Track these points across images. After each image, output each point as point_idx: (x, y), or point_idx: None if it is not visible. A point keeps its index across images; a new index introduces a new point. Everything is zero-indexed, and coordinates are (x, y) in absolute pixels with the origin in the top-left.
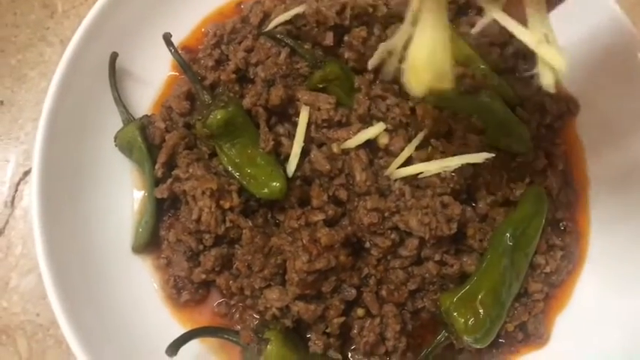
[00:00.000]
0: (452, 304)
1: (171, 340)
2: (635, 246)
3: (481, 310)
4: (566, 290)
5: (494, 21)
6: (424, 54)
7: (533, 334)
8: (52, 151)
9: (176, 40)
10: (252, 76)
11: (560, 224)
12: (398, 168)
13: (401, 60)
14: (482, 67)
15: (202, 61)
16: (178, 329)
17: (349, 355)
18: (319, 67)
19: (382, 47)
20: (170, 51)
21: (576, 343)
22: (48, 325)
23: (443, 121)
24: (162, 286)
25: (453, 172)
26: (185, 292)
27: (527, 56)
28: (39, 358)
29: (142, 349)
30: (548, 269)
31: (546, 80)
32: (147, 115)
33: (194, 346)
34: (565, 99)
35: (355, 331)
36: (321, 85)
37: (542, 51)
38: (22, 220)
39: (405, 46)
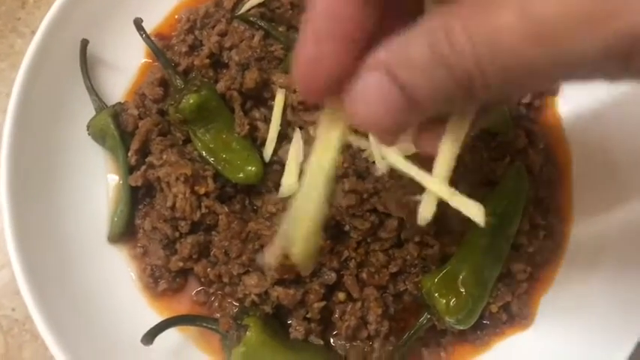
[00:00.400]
0: (433, 285)
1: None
2: (618, 223)
3: (462, 291)
4: (550, 271)
5: None
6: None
7: (518, 315)
8: (22, 142)
9: (149, 27)
10: (226, 61)
11: (543, 203)
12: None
13: None
14: None
15: (176, 48)
16: (156, 319)
17: (331, 340)
18: (294, 49)
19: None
20: (141, 36)
21: (561, 324)
22: (23, 319)
23: None
24: (139, 276)
25: None
26: (162, 281)
27: None
28: (15, 353)
29: (120, 340)
30: (531, 249)
31: (425, 213)
32: (120, 103)
33: (172, 335)
34: None
35: (337, 316)
36: None
37: (458, 203)
38: None
39: None
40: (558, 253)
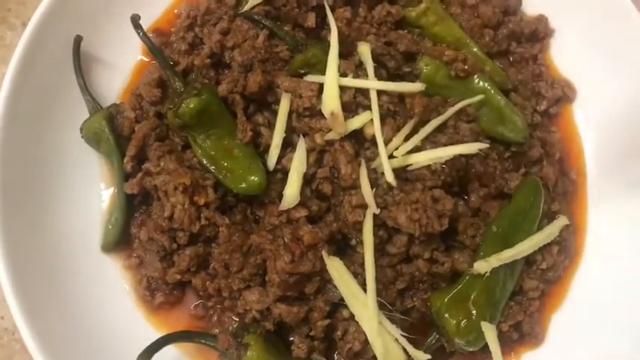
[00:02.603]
0: (443, 304)
1: (144, 344)
2: (634, 238)
3: (474, 311)
4: (562, 287)
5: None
6: None
7: (529, 334)
8: (12, 143)
9: (147, 22)
10: (228, 61)
11: (557, 216)
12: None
13: None
14: (474, 50)
15: (175, 45)
16: (152, 333)
17: (335, 357)
18: (300, 50)
19: None
20: (138, 34)
21: (573, 342)
22: (13, 328)
23: (433, 108)
24: (134, 288)
25: (444, 163)
26: (159, 293)
27: (522, 39)
28: None
29: (114, 356)
30: (544, 265)
31: None
32: (115, 104)
33: (170, 351)
34: (561, 83)
35: (339, 334)
36: (302, 71)
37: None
38: None
39: None
40: (571, 268)
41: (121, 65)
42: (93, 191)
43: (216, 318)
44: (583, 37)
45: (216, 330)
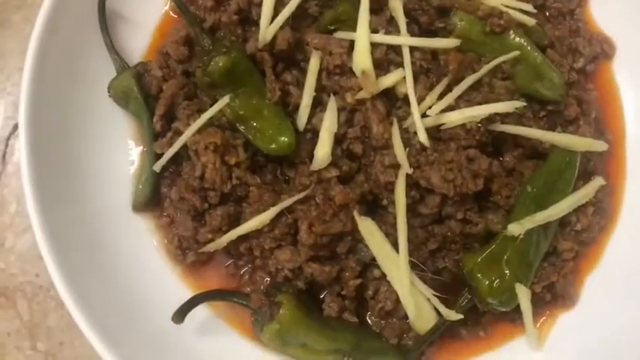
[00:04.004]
0: (476, 264)
1: (176, 303)
2: None
3: (507, 271)
4: (597, 249)
5: None
6: None
7: (562, 296)
8: (40, 103)
9: None
10: (255, 18)
11: (592, 177)
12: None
13: None
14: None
15: (200, 1)
16: (184, 293)
17: (367, 316)
18: (330, 6)
19: None
20: None
21: (607, 304)
22: (48, 286)
23: (467, 65)
24: (165, 247)
25: (479, 122)
26: (190, 252)
27: None
28: (41, 320)
29: (146, 312)
30: (579, 226)
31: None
32: (142, 63)
33: (201, 311)
34: (599, 39)
35: (370, 293)
36: (332, 27)
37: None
38: (15, 177)
39: None
40: (607, 230)
41: (147, 22)
42: (122, 150)
43: (247, 277)
44: None
45: (248, 289)
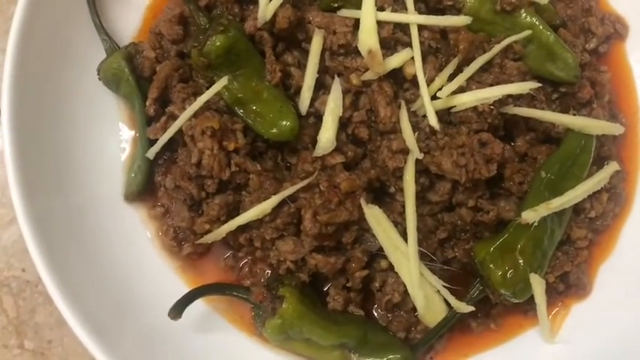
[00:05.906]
0: (488, 254)
1: (172, 297)
2: None
3: (521, 261)
4: (611, 236)
5: None
6: None
7: (576, 285)
8: (24, 87)
9: None
10: None
11: (606, 162)
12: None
13: None
14: None
15: None
16: (180, 286)
17: (373, 309)
18: None
19: None
20: None
21: (621, 293)
22: (36, 281)
23: (478, 45)
24: (159, 238)
25: (491, 104)
26: (186, 244)
27: None
28: (28, 316)
29: (141, 308)
30: (593, 213)
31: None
32: (134, 43)
33: (198, 306)
34: (612, 19)
35: (377, 285)
36: (335, 5)
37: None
38: None
39: None
40: (621, 216)
41: (138, 1)
42: (112, 137)
43: (247, 269)
44: None
45: (248, 282)
